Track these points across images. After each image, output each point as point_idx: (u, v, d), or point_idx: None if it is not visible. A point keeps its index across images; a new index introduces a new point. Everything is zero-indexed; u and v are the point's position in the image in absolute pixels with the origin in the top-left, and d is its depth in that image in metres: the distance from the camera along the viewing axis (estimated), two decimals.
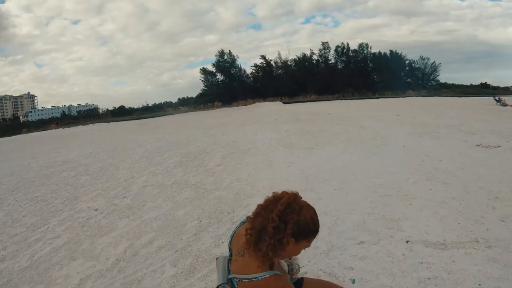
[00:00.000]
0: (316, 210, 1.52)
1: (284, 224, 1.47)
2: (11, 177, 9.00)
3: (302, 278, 1.98)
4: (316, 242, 3.62)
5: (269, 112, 20.75)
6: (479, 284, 2.64)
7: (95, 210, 5.48)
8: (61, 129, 35.77)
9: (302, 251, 1.58)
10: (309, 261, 3.20)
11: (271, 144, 9.45)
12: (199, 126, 17.55)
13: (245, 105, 34.40)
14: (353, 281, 2.80)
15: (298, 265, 1.84)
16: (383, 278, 2.82)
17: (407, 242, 3.36)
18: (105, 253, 3.84)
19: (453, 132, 9.29)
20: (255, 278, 1.47)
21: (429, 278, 2.78)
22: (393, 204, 4.33)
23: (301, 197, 1.58)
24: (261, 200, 1.70)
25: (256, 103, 33.95)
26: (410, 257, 3.09)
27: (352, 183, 5.34)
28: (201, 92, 51.84)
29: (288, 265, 1.82)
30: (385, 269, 2.93)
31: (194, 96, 53.27)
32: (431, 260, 3.01)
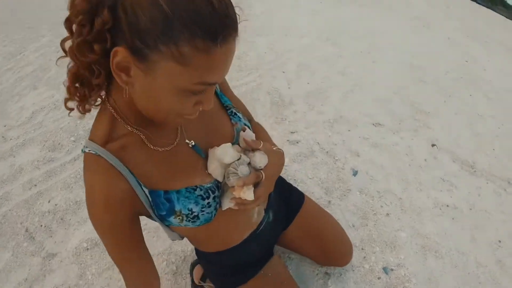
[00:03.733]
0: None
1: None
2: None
3: (302, 195, 1.24)
4: (322, 105, 2.52)
5: None
6: (499, 241, 1.75)
7: None
8: None
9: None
10: (306, 127, 2.14)
11: None
12: None
13: None
14: (355, 173, 1.81)
15: (245, 169, 0.76)
16: (393, 182, 1.85)
17: (432, 145, 2.31)
18: None
19: (503, 48, 7.50)
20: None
21: (447, 206, 1.84)
22: (426, 93, 3.15)
23: None
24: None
25: None
26: (432, 167, 2.09)
27: (383, 52, 4.01)
28: None
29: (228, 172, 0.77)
30: (399, 171, 1.94)
31: None
32: (455, 182, 2.03)
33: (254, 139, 0.82)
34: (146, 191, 0.71)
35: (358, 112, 2.41)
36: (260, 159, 0.77)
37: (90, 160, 0.67)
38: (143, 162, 0.70)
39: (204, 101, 0.62)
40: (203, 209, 0.75)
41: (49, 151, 2.17)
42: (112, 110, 0.66)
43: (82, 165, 1.39)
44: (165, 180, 0.73)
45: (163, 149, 0.73)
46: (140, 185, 0.69)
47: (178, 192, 0.73)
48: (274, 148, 0.87)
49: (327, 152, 1.93)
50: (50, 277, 1.46)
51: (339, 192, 1.70)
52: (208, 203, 0.76)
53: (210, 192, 0.76)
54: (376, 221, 1.61)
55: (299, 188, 1.24)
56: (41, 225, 1.64)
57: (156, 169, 0.72)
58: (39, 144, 2.22)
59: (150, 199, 0.72)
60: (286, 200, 1.16)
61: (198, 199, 0.74)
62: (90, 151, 0.66)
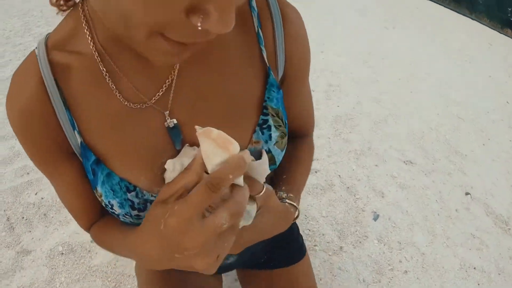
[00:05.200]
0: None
1: None
2: None
3: (303, 251, 0.85)
4: (350, 133, 2.23)
5: None
6: None
7: None
8: None
9: None
10: (328, 155, 1.91)
11: None
12: None
13: None
14: (376, 218, 1.57)
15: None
16: (418, 233, 1.59)
17: (466, 194, 2.03)
18: None
19: None
20: None
21: (474, 268, 1.57)
22: (464, 132, 2.84)
23: None
24: None
25: None
26: (463, 220, 1.81)
27: (421, 82, 3.70)
28: None
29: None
30: (426, 220, 1.68)
31: None
32: (486, 240, 1.75)
33: (265, 173, 0.46)
34: (79, 139, 0.46)
35: (388, 145, 2.15)
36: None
37: (28, 58, 0.46)
38: (87, 100, 0.45)
39: (207, 9, 0.26)
40: (126, 216, 0.49)
41: None
42: (82, 14, 0.43)
43: None
44: (103, 145, 0.47)
45: (125, 102, 0.45)
46: (74, 127, 0.46)
47: (108, 175, 0.46)
48: (287, 203, 0.54)
49: (347, 187, 1.69)
50: (19, 274, 1.33)
51: (354, 238, 1.46)
52: (138, 216, 0.48)
53: (148, 206, 0.48)
54: (391, 278, 1.36)
55: (309, 228, 1.02)
56: (23, 217, 1.51)
57: (100, 122, 0.46)
58: None
59: (80, 150, 0.47)
60: (275, 250, 0.82)
61: (125, 204, 0.47)
62: (35, 50, 0.45)
